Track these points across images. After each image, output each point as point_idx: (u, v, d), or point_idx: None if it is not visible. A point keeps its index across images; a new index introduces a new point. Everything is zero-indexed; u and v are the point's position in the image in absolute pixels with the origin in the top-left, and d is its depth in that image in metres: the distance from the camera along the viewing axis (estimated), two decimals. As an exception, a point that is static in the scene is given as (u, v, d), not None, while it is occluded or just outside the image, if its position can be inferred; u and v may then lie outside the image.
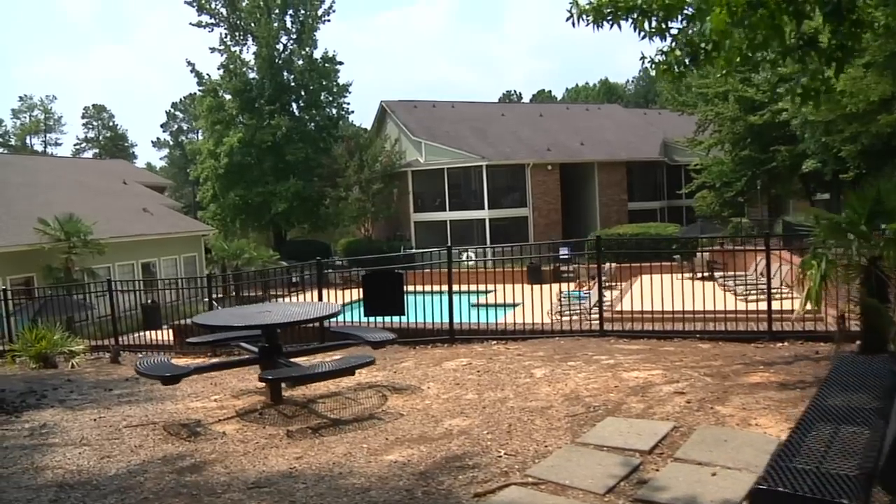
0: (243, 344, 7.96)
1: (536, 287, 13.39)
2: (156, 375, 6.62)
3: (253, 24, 43.59)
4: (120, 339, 14.02)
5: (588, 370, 8.32)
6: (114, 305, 14.01)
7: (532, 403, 6.91)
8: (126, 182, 39.54)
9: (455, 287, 11.83)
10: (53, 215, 26.81)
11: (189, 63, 45.35)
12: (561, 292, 22.52)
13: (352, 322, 12.49)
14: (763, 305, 10.58)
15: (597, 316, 11.77)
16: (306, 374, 6.56)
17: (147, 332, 15.25)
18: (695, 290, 11.41)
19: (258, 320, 7.08)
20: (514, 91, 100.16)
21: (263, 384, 8.19)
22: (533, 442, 5.75)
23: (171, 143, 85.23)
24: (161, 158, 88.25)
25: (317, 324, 9.99)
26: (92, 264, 27.25)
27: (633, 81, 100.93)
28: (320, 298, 12.31)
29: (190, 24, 44.28)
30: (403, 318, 11.32)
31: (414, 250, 40.68)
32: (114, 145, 78.16)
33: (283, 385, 7.30)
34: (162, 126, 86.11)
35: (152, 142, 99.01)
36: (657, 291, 12.21)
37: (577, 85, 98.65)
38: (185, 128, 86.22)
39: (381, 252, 39.28)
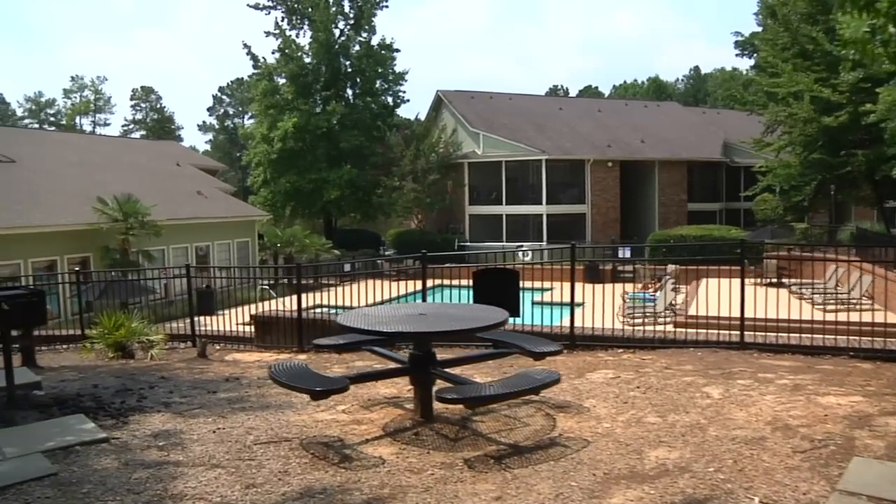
0: (378, 349, 6.86)
1: (592, 286, 13.02)
2: (303, 389, 5.48)
3: (310, 9, 42.67)
4: (193, 328, 13.02)
5: (768, 391, 7.16)
6: (191, 292, 13.02)
7: (737, 433, 5.76)
8: (179, 164, 38.86)
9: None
10: (113, 195, 26.06)
11: (245, 45, 44.74)
12: (626, 293, 21.40)
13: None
14: (843, 316, 9.55)
15: (679, 320, 10.49)
16: (490, 394, 5.41)
17: (221, 322, 14.13)
18: (768, 296, 10.85)
19: (414, 325, 5.95)
20: (561, 86, 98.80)
21: (394, 393, 7.14)
22: (779, 485, 4.64)
23: (217, 126, 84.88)
24: (206, 142, 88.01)
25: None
26: (147, 246, 26.50)
27: (682, 80, 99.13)
28: (424, 296, 11.22)
29: (247, 5, 43.50)
30: (518, 321, 10.30)
31: (468, 243, 39.72)
32: (161, 127, 77.90)
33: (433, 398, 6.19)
34: (208, 110, 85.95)
35: (198, 125, 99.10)
36: (726, 296, 11.04)
37: (624, 82, 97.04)
38: (231, 112, 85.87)
39: (434, 244, 38.30)
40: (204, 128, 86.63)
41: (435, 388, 5.94)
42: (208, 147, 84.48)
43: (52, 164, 30.83)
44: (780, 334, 10.28)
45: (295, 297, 12.02)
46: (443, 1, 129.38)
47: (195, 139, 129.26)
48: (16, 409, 6.45)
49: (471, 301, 9.51)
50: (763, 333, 10.59)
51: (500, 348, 6.86)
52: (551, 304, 12.76)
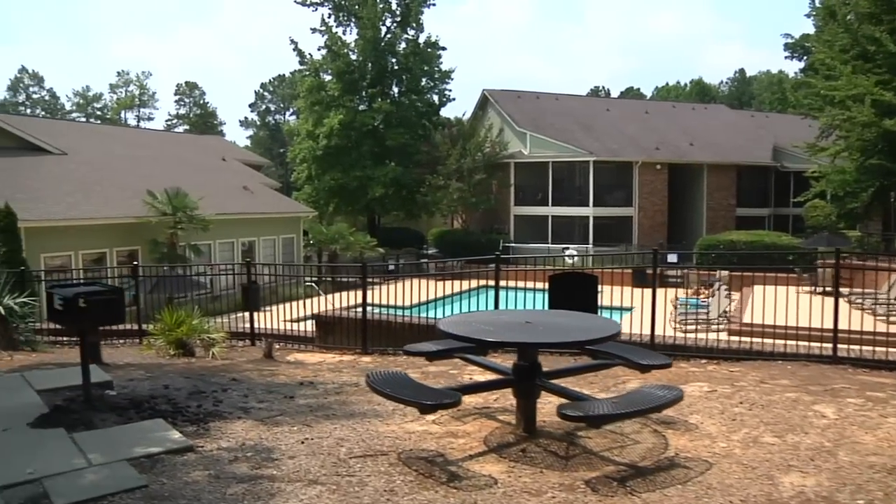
0: (472, 357, 6.45)
1: (639, 290, 12.55)
2: (412, 402, 5.06)
3: (357, 6, 42.44)
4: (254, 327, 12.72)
5: (887, 412, 6.64)
6: (250, 289, 12.72)
7: (873, 459, 5.27)
8: (225, 159, 38.83)
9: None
10: (164, 188, 25.98)
11: (292, 41, 44.87)
12: (676, 299, 20.80)
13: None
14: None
15: (733, 327, 9.93)
16: (616, 413, 4.97)
17: (268, 319, 13.80)
18: (824, 306, 10.14)
19: (522, 335, 5.53)
20: (602, 87, 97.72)
21: (481, 403, 6.73)
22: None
23: (258, 123, 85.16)
24: (247, 138, 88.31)
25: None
26: (194, 240, 26.39)
27: (727, 83, 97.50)
28: (497, 301, 10.81)
29: (294, 1, 43.41)
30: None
31: (513, 244, 39.23)
32: (203, 122, 78.24)
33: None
34: (250, 106, 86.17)
35: (239, 121, 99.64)
36: (783, 305, 10.53)
37: (666, 84, 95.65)
38: (272, 108, 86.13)
39: (479, 244, 37.83)
40: (245, 124, 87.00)
41: (556, 404, 5.48)
42: (248, 143, 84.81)
43: (100, 157, 30.91)
44: (876, 348, 9.76)
45: (346, 294, 11.73)
46: (483, 1, 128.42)
47: (236, 135, 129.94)
48: (93, 411, 6.14)
49: (546, 306, 9.15)
50: (857, 347, 10.08)
51: (601, 359, 6.40)
52: (609, 308, 12.32)
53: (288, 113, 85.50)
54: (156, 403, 6.61)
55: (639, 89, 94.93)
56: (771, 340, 10.64)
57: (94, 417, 5.98)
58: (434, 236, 42.83)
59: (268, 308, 14.13)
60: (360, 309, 11.60)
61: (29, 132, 28.41)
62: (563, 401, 5.39)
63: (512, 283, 13.49)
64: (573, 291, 9.70)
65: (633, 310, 12.45)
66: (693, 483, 4.77)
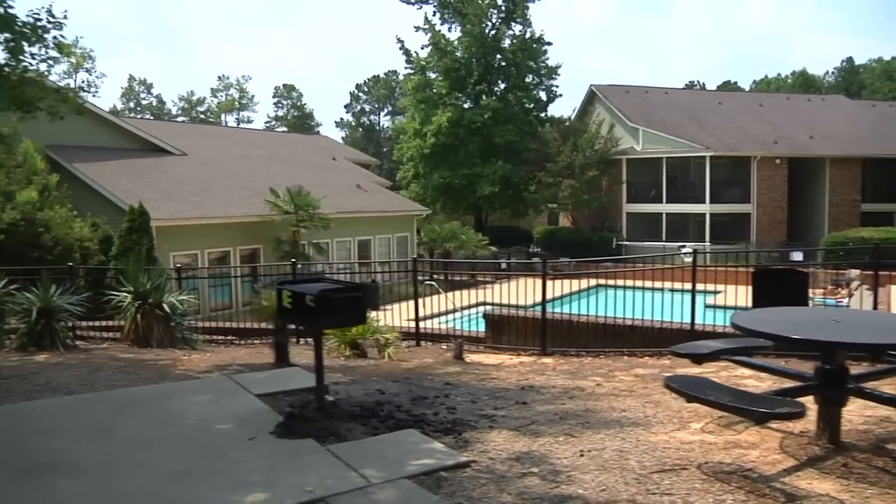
0: (741, 358, 5.74)
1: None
2: (744, 410, 4.39)
3: (463, 3, 41.95)
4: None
5: None
6: (416, 287, 12.24)
7: None
8: (335, 158, 38.89)
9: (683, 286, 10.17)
10: (283, 187, 25.99)
11: (399, 40, 44.22)
12: (811, 298, 19.57)
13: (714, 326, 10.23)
14: None
15: None
16: None
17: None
18: None
19: (836, 334, 4.80)
20: (698, 82, 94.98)
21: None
22: None
23: (354, 123, 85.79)
24: (341, 138, 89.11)
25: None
26: (314, 238, 26.33)
27: (833, 73, 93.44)
28: (693, 299, 10.06)
29: (399, 0, 43.29)
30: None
31: (626, 242, 38.16)
32: (301, 124, 79.23)
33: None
34: (345, 107, 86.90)
35: (335, 122, 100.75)
36: None
37: (765, 76, 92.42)
38: (367, 109, 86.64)
39: (590, 242, 36.92)
40: (340, 124, 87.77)
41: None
42: (343, 143, 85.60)
43: (218, 157, 31.28)
44: None
45: (462, 293, 11.10)
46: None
47: (332, 136, 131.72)
48: (333, 419, 5.65)
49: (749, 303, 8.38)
50: None
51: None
52: (724, 307, 11.44)
53: (383, 113, 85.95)
54: (390, 411, 6.09)
55: (736, 83, 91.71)
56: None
57: (338, 427, 5.48)
58: (541, 234, 42.08)
59: (387, 307, 13.59)
60: (536, 308, 10.99)
61: (152, 133, 28.87)
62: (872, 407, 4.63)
63: (627, 282, 12.86)
64: (781, 289, 8.87)
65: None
66: None
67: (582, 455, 5.03)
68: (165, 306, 12.02)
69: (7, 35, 8.78)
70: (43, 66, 9.45)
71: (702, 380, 5.09)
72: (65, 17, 9.43)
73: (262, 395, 6.54)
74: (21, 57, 8.93)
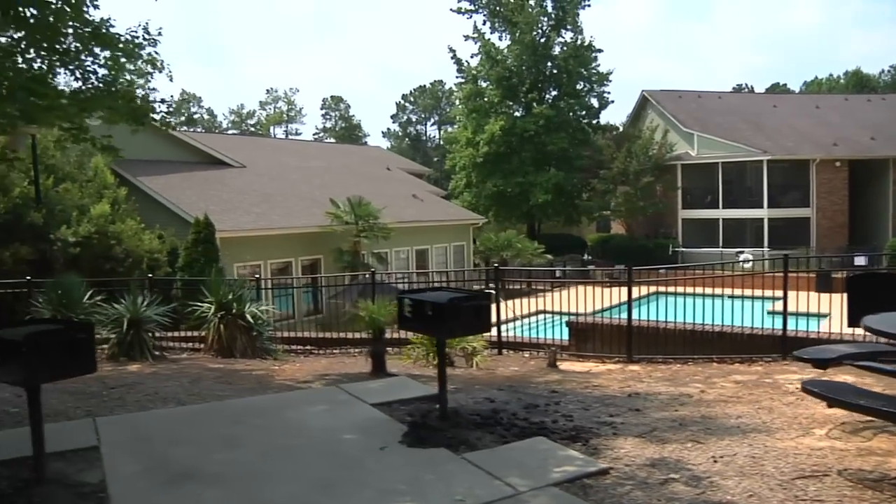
0: (870, 363, 5.68)
1: (826, 296, 11.08)
2: None
3: (513, 11, 42.00)
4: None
5: None
6: (498, 296, 12.27)
7: None
8: (389, 168, 39.15)
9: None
10: (343, 197, 26.24)
11: (450, 49, 44.33)
12: None
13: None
14: None
15: None
16: None
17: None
18: None
19: None
20: (746, 85, 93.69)
21: (845, 413, 5.92)
22: None
23: (400, 133, 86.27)
24: (388, 149, 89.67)
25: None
26: (374, 248, 26.51)
27: (888, 71, 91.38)
28: (785, 304, 9.96)
29: (450, 10, 43.52)
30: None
31: (682, 249, 37.78)
32: (349, 135, 79.93)
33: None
34: (392, 117, 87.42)
35: (382, 132, 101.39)
36: None
37: (816, 77, 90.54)
38: (413, 119, 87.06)
39: (645, 249, 36.59)
40: (388, 134, 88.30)
41: None
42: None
43: (276, 169, 31.70)
44: None
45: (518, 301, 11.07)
46: (609, 1, 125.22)
47: (379, 146, 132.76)
48: (459, 428, 5.71)
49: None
50: None
51: None
52: (795, 314, 11.23)
53: (429, 123, 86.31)
54: (509, 419, 6.13)
55: (785, 85, 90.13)
56: None
57: (467, 436, 5.53)
58: (594, 242, 41.83)
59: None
60: (622, 315, 10.97)
61: (212, 146, 29.35)
62: None
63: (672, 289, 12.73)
64: (880, 293, 8.74)
65: (829, 316, 11.40)
66: None
67: (716, 461, 5.02)
68: (248, 316, 12.22)
69: (107, 53, 9.03)
70: (140, 81, 9.70)
71: (843, 384, 5.03)
72: (159, 34, 9.67)
73: (377, 405, 6.62)
74: (121, 73, 9.18)
